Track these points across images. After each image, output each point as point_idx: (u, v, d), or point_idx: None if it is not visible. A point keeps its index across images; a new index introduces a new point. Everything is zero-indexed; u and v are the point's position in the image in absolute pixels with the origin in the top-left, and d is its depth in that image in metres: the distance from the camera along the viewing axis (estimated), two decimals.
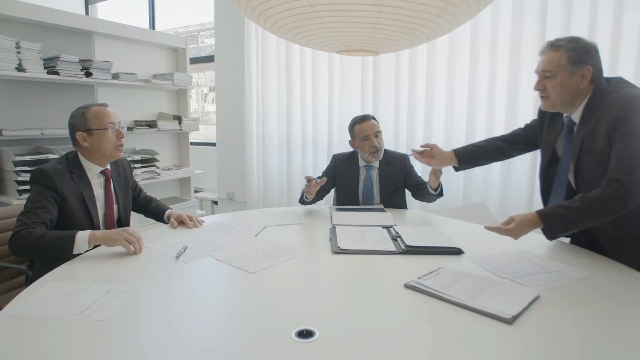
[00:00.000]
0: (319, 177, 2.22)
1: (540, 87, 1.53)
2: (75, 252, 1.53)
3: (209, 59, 4.66)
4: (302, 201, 2.25)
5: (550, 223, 1.38)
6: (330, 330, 1.03)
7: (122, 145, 1.86)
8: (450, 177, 2.79)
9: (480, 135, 2.95)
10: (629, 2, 2.44)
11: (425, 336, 1.03)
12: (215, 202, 4.55)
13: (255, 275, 1.38)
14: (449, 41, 2.99)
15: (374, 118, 2.40)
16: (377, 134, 2.34)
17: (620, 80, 1.51)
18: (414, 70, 3.18)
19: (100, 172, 1.86)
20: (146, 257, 1.54)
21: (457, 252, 1.60)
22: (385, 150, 2.46)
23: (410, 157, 2.45)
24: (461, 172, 2.37)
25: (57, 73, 2.74)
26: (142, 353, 0.95)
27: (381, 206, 2.34)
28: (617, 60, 2.51)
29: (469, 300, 1.16)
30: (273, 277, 1.38)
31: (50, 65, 2.73)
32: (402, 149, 3.27)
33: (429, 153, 1.94)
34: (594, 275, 1.38)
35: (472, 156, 1.89)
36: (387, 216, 2.10)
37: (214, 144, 4.52)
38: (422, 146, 1.97)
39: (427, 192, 2.20)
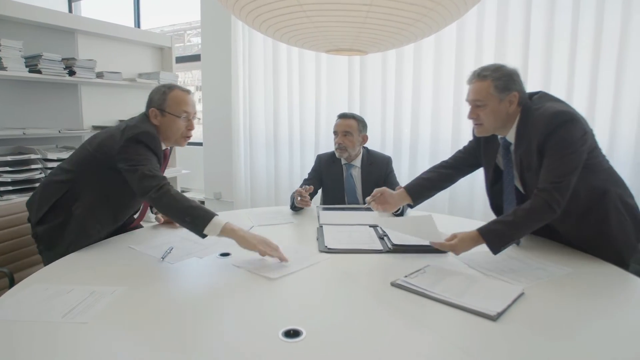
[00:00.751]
0: (302, 186, 2.20)
1: (474, 116, 1.61)
2: (205, 232, 1.47)
3: (196, 58, 4.62)
4: (294, 207, 2.23)
5: (491, 239, 1.44)
6: (317, 329, 1.03)
7: (189, 137, 1.82)
8: None
9: (466, 134, 2.97)
10: (610, 2, 2.49)
11: (412, 334, 1.04)
12: (202, 202, 4.51)
13: (241, 275, 1.37)
14: (435, 41, 3.02)
15: (354, 118, 2.41)
16: (346, 133, 2.37)
17: (541, 96, 1.60)
18: (401, 70, 3.20)
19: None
20: (131, 258, 1.53)
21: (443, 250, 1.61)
22: (369, 150, 2.49)
23: (391, 161, 2.48)
24: None
25: (39, 72, 2.69)
26: (128, 355, 0.94)
27: (368, 205, 2.35)
28: (598, 59, 2.56)
29: (455, 298, 1.17)
30: (259, 276, 1.37)
31: (32, 64, 2.68)
32: (389, 148, 3.29)
33: (380, 199, 1.87)
34: (577, 272, 1.41)
35: (423, 190, 1.87)
36: (374, 215, 2.10)
37: (200, 144, 4.49)
38: (368, 200, 1.89)
39: None
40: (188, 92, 1.79)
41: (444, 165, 1.90)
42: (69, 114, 3.10)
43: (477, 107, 1.58)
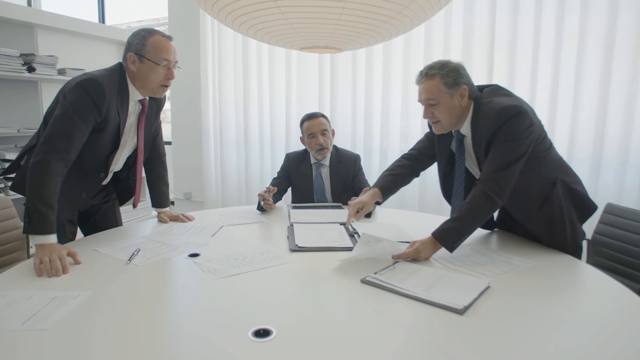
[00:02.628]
0: (267, 188, 2.18)
1: (429, 115, 1.62)
2: (32, 242, 1.44)
3: None
4: (260, 208, 2.21)
5: (444, 239, 1.48)
6: (287, 328, 1.03)
7: (167, 86, 1.71)
8: None
9: None
10: (569, 7, 2.59)
11: (382, 330, 1.05)
12: (172, 202, 4.43)
13: (210, 276, 1.36)
14: (404, 40, 3.06)
15: (323, 116, 2.42)
16: (324, 132, 2.37)
17: (493, 89, 1.62)
18: (370, 68, 3.23)
19: (139, 100, 1.73)
20: (96, 261, 1.48)
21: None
22: (337, 148, 2.49)
23: (360, 159, 2.50)
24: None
25: None
26: None
27: (339, 204, 2.36)
28: (559, 59, 2.66)
29: (423, 293, 1.19)
30: (229, 276, 1.36)
31: None
32: (359, 146, 3.31)
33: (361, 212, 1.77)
34: (540, 265, 1.46)
35: (392, 187, 1.86)
36: (344, 213, 2.11)
37: (169, 143, 4.40)
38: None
39: None
40: (170, 38, 1.68)
41: (408, 158, 1.90)
42: (29, 112, 2.98)
43: (431, 106, 1.59)
